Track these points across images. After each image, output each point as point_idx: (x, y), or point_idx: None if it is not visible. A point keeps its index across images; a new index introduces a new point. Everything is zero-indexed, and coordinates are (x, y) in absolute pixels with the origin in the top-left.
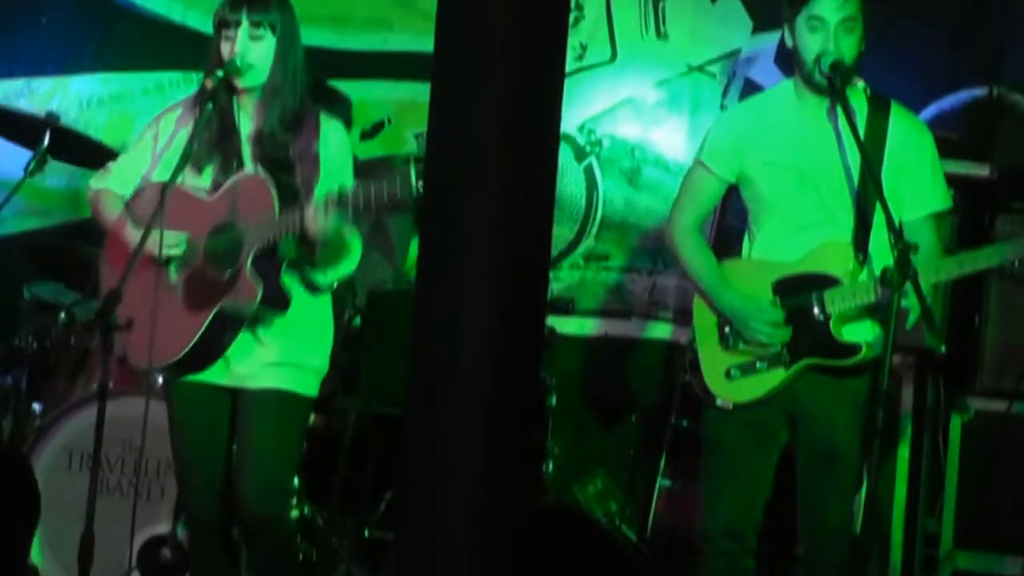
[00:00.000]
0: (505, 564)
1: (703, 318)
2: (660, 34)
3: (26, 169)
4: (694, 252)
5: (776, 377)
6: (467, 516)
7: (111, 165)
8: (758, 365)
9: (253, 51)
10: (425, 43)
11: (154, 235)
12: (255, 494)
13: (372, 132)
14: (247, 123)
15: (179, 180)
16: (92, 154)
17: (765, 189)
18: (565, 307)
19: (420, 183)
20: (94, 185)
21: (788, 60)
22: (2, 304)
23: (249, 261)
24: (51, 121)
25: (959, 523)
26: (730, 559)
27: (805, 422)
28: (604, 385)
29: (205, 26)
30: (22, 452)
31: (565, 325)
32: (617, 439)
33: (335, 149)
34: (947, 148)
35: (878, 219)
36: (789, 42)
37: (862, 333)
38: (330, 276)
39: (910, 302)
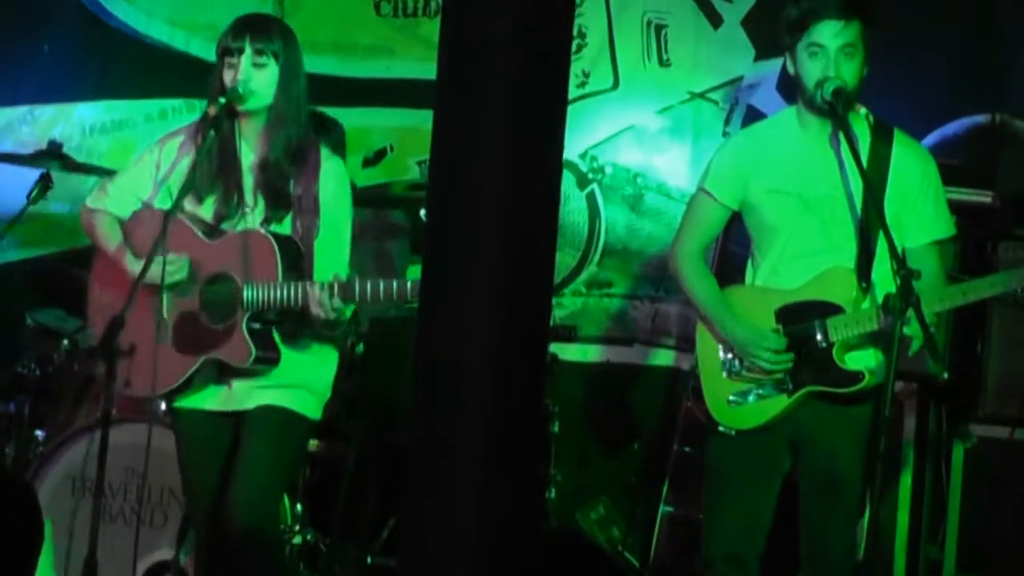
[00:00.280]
0: None
1: (706, 345)
2: (662, 61)
3: (29, 196)
4: (697, 279)
5: (779, 404)
6: (470, 542)
7: (108, 186)
8: (761, 392)
9: (256, 78)
10: (427, 70)
11: (155, 265)
12: (240, 506)
13: (375, 159)
14: (249, 152)
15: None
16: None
17: (768, 216)
18: (568, 334)
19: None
20: (90, 204)
21: (790, 87)
22: (5, 331)
23: (244, 320)
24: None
25: (961, 550)
26: None
27: (807, 449)
28: (606, 412)
29: (207, 54)
30: (25, 478)
31: (568, 352)
32: (619, 466)
33: (333, 189)
34: (949, 175)
35: (881, 246)
36: (791, 69)
37: (865, 361)
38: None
39: (913, 329)
